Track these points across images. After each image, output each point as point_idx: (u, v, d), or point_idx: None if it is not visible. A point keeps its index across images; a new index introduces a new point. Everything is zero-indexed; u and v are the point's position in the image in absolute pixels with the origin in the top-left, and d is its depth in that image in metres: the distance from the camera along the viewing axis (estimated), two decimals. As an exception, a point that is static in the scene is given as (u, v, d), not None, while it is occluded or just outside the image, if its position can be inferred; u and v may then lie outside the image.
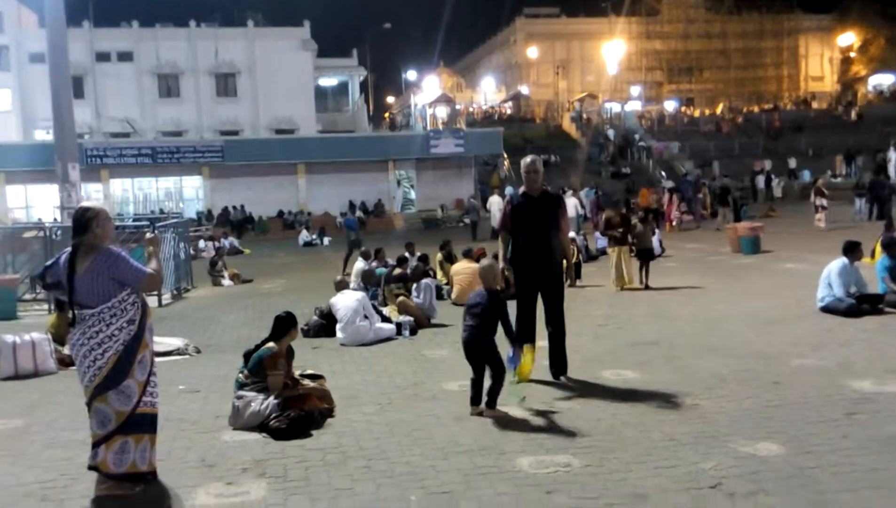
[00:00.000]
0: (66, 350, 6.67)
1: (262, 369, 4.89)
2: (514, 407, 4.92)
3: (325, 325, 7.93)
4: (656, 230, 15.42)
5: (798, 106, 46.88)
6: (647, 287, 10.19)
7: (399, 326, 7.78)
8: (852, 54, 54.49)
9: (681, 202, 22.15)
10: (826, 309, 7.70)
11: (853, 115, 41.05)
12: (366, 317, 7.47)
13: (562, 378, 5.64)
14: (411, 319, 7.96)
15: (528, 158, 5.70)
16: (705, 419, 4.56)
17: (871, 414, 4.52)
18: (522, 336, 5.48)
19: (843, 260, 7.77)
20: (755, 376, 5.50)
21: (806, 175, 31.04)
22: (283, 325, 5.03)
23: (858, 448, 3.97)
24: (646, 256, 10.57)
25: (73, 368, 3.82)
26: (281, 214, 30.33)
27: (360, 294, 7.86)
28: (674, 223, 20.96)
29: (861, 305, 7.48)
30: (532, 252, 5.55)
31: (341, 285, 8.17)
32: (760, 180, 29.89)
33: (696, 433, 4.28)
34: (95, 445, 3.56)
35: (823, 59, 56.21)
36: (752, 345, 6.52)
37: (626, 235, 10.44)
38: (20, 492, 3.82)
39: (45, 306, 10.34)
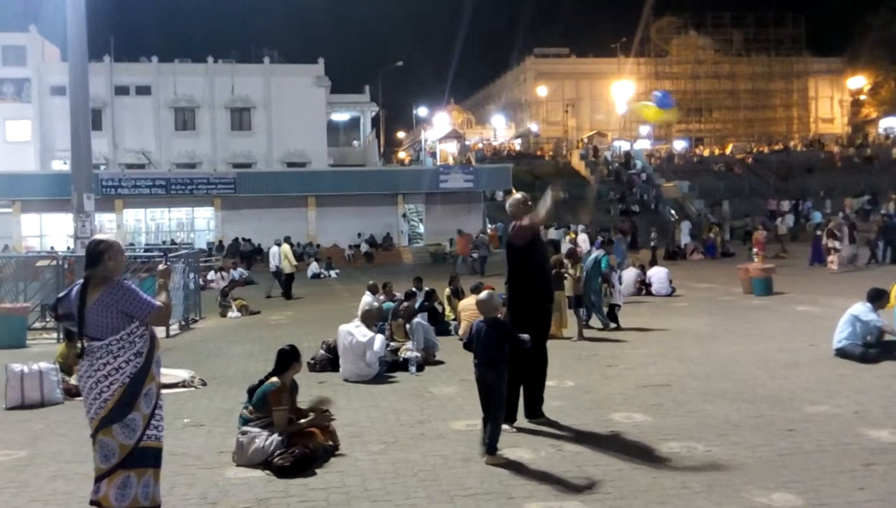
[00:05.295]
0: (73, 381, 6.64)
1: (266, 404, 4.85)
2: (523, 450, 4.82)
3: (332, 359, 7.88)
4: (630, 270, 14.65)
5: (809, 147, 47.06)
6: (580, 337, 9.39)
7: (406, 361, 7.72)
8: (862, 97, 54.87)
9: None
10: (841, 352, 7.57)
11: (865, 156, 41.15)
12: (365, 359, 7.33)
13: (532, 422, 5.42)
14: (418, 354, 7.90)
15: (519, 195, 5.73)
16: (719, 466, 4.45)
17: (890, 465, 4.39)
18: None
19: (868, 306, 7.64)
20: (769, 422, 5.38)
21: (817, 216, 30.95)
22: (287, 359, 5.01)
23: (878, 501, 3.85)
24: (571, 303, 9.57)
25: (80, 399, 3.80)
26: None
27: (367, 334, 7.52)
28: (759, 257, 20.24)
29: (869, 349, 7.34)
30: (534, 285, 5.44)
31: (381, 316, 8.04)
32: (790, 220, 30.13)
33: (709, 482, 4.18)
34: (98, 479, 3.52)
35: (833, 102, 56.61)
36: (764, 389, 6.41)
37: (559, 278, 9.46)
38: (19, 527, 3.77)
39: (55, 335, 10.36)
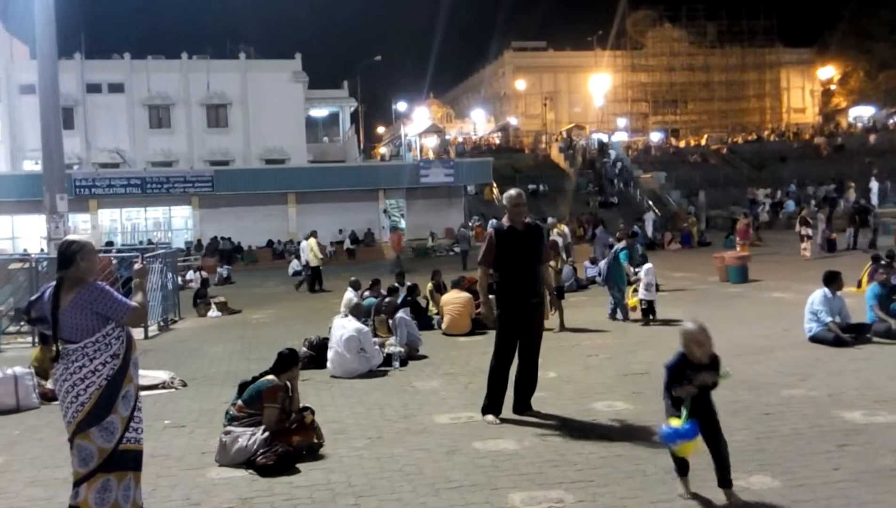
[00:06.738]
0: (49, 385, 6.55)
1: (259, 400, 4.83)
2: (507, 441, 4.86)
3: (315, 357, 7.85)
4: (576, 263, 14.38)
5: (781, 137, 47.84)
6: (561, 328, 9.22)
7: (389, 356, 7.72)
8: (833, 87, 55.88)
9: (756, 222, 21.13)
10: (814, 339, 7.72)
11: (836, 145, 41.95)
12: (362, 349, 7.35)
13: (526, 414, 5.44)
14: (401, 349, 7.90)
15: (514, 191, 5.65)
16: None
17: (863, 446, 4.50)
18: (498, 373, 5.41)
19: (824, 290, 7.81)
20: (746, 406, 5.48)
21: (791, 205, 31.50)
22: (286, 362, 5.03)
23: (851, 481, 3.95)
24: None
25: (56, 403, 3.74)
26: (270, 243, 30.25)
27: (361, 328, 7.56)
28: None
29: (844, 335, 7.48)
30: (519, 285, 5.42)
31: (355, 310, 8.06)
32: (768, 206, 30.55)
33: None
34: (77, 484, 3.46)
35: (805, 92, 57.57)
36: (741, 375, 6.51)
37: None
38: (-3, 534, 3.71)
39: (29, 339, 10.17)
